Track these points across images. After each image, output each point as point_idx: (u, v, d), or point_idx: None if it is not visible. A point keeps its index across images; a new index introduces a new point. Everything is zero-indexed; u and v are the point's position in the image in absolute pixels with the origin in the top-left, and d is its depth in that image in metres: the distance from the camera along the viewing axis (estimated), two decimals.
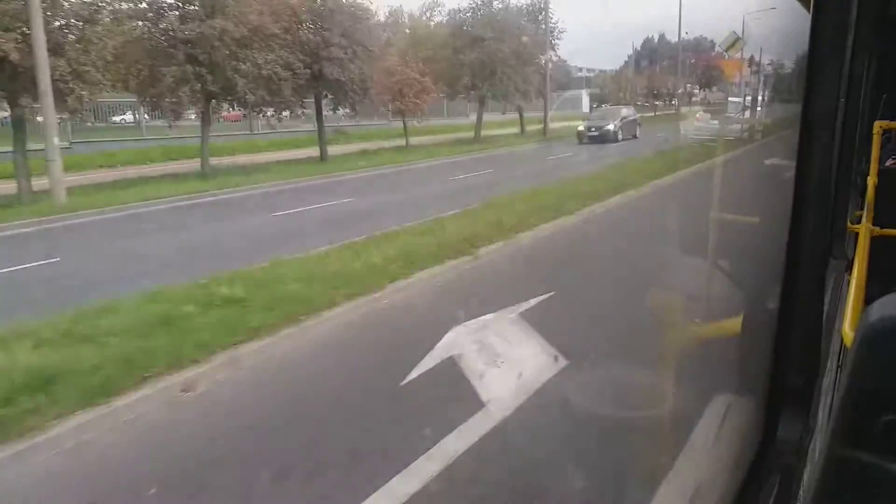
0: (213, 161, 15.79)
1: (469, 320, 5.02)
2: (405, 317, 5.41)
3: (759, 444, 1.74)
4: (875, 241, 2.67)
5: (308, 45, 16.84)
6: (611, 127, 22.96)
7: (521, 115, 28.19)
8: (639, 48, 54.34)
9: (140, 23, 14.26)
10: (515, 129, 30.54)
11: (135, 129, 20.71)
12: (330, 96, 18.55)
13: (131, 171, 15.34)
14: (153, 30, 14.23)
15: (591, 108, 44.38)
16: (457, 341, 4.67)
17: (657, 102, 48.19)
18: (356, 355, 4.61)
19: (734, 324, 2.65)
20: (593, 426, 3.43)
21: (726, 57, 20.05)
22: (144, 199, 11.82)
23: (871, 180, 3.24)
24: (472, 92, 24.99)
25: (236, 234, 9.08)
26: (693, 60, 71.35)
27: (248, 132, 23.36)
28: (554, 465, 3.09)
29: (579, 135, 22.58)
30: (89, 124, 20.71)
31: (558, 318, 5.28)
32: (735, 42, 18.44)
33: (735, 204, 4.45)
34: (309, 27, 16.62)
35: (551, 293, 5.65)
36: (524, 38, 27.22)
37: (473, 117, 30.29)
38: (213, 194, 12.71)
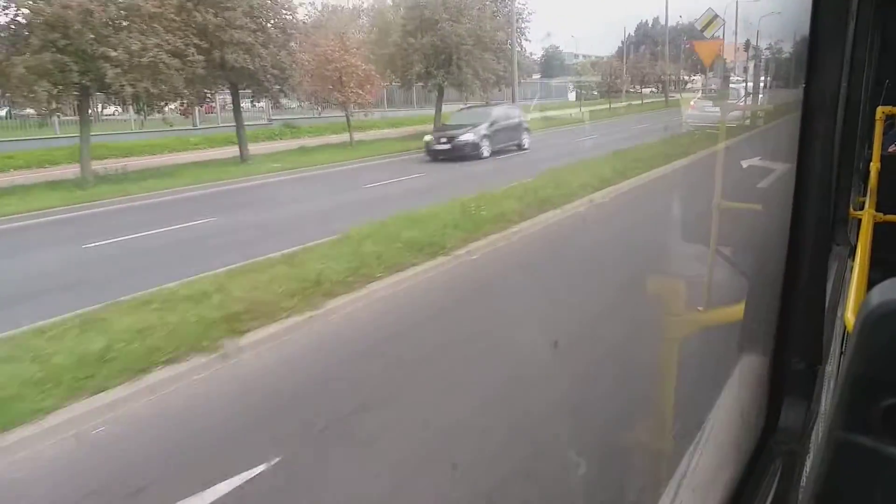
0: (110, 164, 14.77)
1: None
2: None
3: (762, 431, 1.72)
4: (878, 228, 2.68)
5: (208, 27, 14.61)
6: (468, 137, 16.25)
7: None
8: (632, 33, 50.45)
9: None
10: None
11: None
12: (249, 88, 16.83)
13: (20, 177, 14.11)
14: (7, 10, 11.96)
15: (576, 96, 40.73)
16: None
17: (647, 90, 46.53)
18: None
19: (737, 310, 2.45)
20: None
21: (706, 37, 16.35)
22: None
23: (874, 166, 3.24)
24: (429, 81, 21.37)
25: None
26: (688, 45, 67.91)
27: (189, 127, 22.11)
28: None
29: (426, 148, 16.75)
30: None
31: None
32: (712, 21, 14.78)
33: (736, 192, 3.63)
34: (208, 8, 14.44)
35: (271, 462, 3.34)
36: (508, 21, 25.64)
37: (450, 107, 27.77)
38: (66, 210, 11.11)
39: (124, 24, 11.70)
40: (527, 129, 18.44)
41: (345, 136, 22.28)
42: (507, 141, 17.27)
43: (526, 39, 28.31)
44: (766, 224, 2.47)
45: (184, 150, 17.83)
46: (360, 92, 20.06)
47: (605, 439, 3.49)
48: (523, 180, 11.03)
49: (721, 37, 17.04)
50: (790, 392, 1.74)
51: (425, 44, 21.89)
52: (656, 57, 41.91)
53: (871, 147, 3.65)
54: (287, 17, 16.11)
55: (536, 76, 56.69)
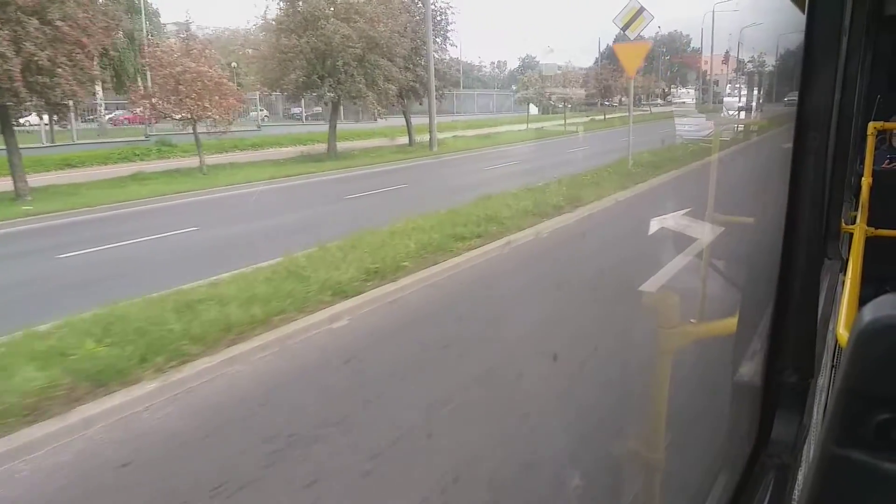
0: None
1: None
2: None
3: (754, 444, 1.75)
4: (869, 242, 2.77)
5: None
6: None
7: (408, 123, 19.96)
8: (610, 44, 46.72)
9: None
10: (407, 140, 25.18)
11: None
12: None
13: None
14: None
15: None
16: None
17: (615, 103, 41.67)
18: None
19: (729, 324, 2.47)
20: None
21: (629, 39, 10.55)
22: None
23: (866, 181, 3.44)
24: (312, 91, 16.37)
25: None
26: (668, 57, 64.23)
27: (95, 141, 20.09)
28: None
29: None
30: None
31: None
32: (637, 16, 8.28)
33: (729, 204, 3.95)
34: None
35: None
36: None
37: (383, 122, 24.59)
38: None
39: None
40: None
41: (220, 157, 18.69)
42: None
43: (452, 44, 23.49)
44: (759, 237, 2.56)
45: None
46: (206, 104, 15.87)
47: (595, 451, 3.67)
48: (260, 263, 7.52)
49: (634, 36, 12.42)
50: (782, 405, 1.75)
51: (303, 45, 16.69)
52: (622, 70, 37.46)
53: (862, 162, 3.75)
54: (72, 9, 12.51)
55: (514, 87, 52.18)
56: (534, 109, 41.70)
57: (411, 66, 23.04)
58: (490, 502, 3.48)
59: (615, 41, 13.40)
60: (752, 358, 1.96)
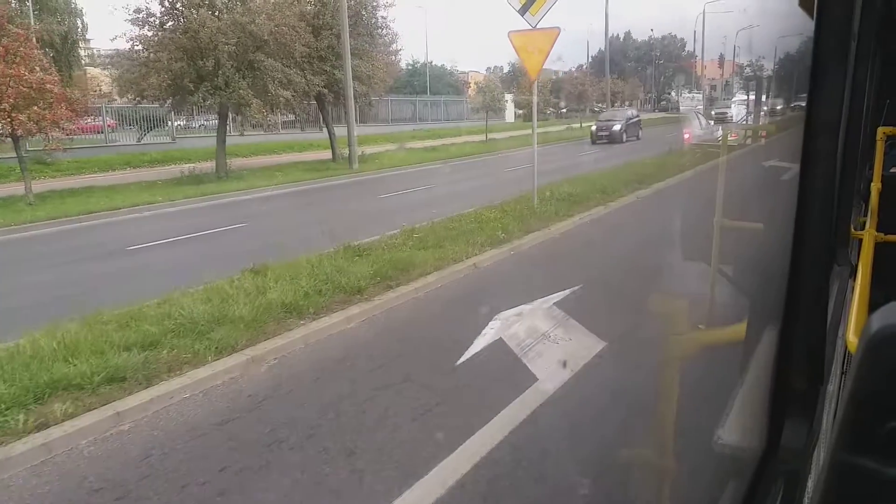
0: None
1: None
2: None
3: (763, 451, 1.74)
4: (879, 248, 2.78)
5: None
6: None
7: (330, 135, 15.98)
8: (602, 48, 44.15)
9: None
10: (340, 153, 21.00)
11: None
12: None
13: None
14: None
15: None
16: None
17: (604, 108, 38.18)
18: None
19: (737, 330, 2.48)
20: None
21: (533, 27, 5.01)
22: None
23: (875, 186, 3.35)
24: (183, 97, 12.44)
25: None
26: (661, 61, 60.29)
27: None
28: None
29: None
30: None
31: None
32: None
33: (738, 210, 3.88)
34: None
35: None
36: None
37: (327, 131, 20.28)
38: None
39: None
40: None
41: (89, 178, 15.46)
42: None
43: (379, 39, 19.45)
44: (768, 244, 2.55)
45: None
46: (21, 117, 11.67)
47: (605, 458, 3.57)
48: None
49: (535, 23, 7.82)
50: (791, 412, 1.70)
51: (164, 40, 12.91)
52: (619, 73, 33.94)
53: (872, 167, 3.66)
54: None
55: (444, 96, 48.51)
56: (510, 116, 37.59)
57: (329, 67, 19.25)
58: None
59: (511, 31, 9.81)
60: (761, 364, 1.97)
